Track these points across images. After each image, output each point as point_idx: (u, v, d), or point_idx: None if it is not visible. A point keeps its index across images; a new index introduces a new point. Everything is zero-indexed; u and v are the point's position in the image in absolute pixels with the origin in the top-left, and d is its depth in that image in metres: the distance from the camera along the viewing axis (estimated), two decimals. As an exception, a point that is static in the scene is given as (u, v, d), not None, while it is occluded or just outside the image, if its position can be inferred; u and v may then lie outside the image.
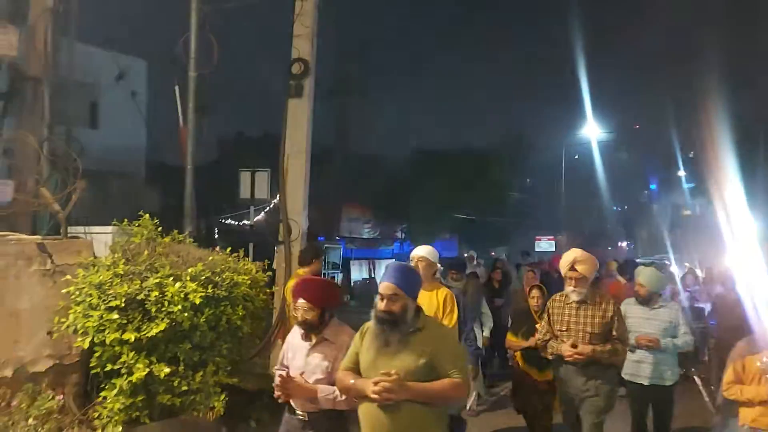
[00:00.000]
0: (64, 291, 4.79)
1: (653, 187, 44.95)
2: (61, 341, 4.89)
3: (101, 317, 4.55)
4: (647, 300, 5.59)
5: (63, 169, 5.98)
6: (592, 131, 36.72)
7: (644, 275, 5.71)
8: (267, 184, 9.32)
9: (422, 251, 5.10)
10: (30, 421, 4.39)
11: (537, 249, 33.64)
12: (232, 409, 5.57)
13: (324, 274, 22.18)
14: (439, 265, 7.03)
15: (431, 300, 4.86)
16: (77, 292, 4.73)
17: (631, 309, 5.66)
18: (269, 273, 6.25)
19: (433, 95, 63.47)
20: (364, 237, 29.21)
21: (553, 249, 34.19)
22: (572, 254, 4.89)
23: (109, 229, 5.63)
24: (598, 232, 41.35)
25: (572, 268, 4.84)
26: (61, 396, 4.72)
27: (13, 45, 5.85)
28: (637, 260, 19.18)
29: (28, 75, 6.64)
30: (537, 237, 34.65)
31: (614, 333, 4.78)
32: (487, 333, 7.87)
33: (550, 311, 5.10)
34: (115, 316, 4.55)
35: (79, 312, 4.65)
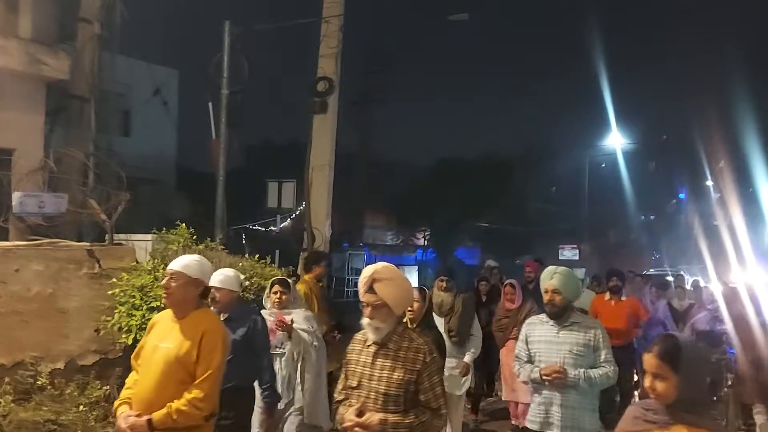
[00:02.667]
0: (109, 292, 5.32)
1: (682, 196, 44.58)
2: (106, 338, 5.41)
3: (143, 316, 5.07)
4: (560, 314, 3.93)
5: (107, 181, 6.52)
6: (618, 140, 36.67)
7: (558, 277, 3.93)
8: (293, 194, 9.82)
9: (177, 264, 3.36)
10: (80, 408, 4.91)
11: (561, 258, 33.68)
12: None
13: (339, 279, 22.69)
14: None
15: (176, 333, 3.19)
16: (121, 294, 5.26)
17: (535, 329, 4.06)
18: (293, 279, 6.72)
19: (457, 104, 63.82)
20: (387, 244, 29.65)
21: (577, 258, 34.28)
22: (370, 270, 3.05)
23: (149, 236, 6.15)
24: (622, 242, 41.16)
25: (369, 290, 3.00)
26: (107, 386, 5.23)
27: (65, 70, 6.44)
28: (649, 272, 19.17)
29: (74, 94, 7.23)
30: (560, 246, 34.71)
31: (421, 397, 2.95)
32: (468, 359, 6.16)
33: (348, 355, 3.21)
34: (155, 315, 5.05)
35: (124, 311, 5.18)
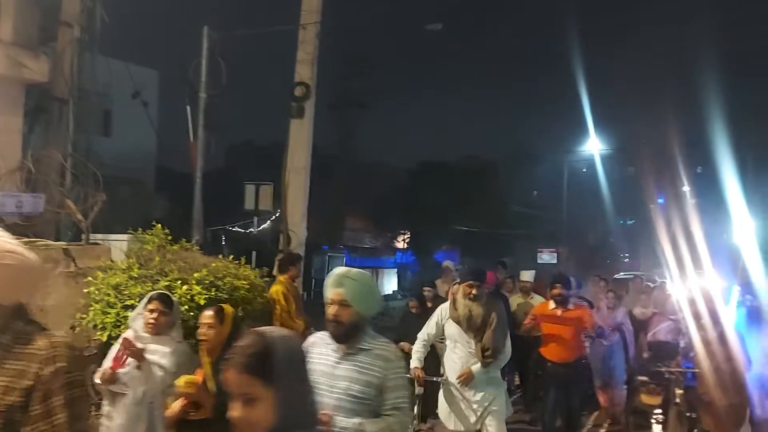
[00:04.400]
0: (85, 291, 5.47)
1: (661, 201, 45.20)
2: (81, 335, 5.56)
3: (118, 314, 5.22)
4: (346, 335, 2.91)
5: (84, 181, 6.68)
6: (596, 145, 37.18)
7: (349, 284, 2.92)
8: (270, 197, 10.01)
9: None
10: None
11: (539, 261, 34.10)
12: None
13: (318, 281, 22.87)
14: None
15: None
16: (97, 292, 5.41)
17: (313, 353, 2.94)
18: (266, 279, 6.90)
19: (436, 108, 64.27)
20: (367, 246, 29.88)
21: (555, 261, 34.70)
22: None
23: (125, 236, 6.31)
24: (600, 246, 41.69)
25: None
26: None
27: (45, 73, 6.58)
28: (619, 276, 19.42)
29: (54, 96, 7.36)
30: (539, 249, 35.12)
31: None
32: (476, 368, 5.36)
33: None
34: (130, 313, 5.21)
35: (99, 309, 5.33)
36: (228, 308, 3.85)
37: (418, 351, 5.15)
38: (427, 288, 7.75)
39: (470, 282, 5.06)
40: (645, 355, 7.38)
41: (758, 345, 5.91)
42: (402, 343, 6.17)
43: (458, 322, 5.00)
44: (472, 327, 4.95)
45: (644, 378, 6.60)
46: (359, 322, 2.91)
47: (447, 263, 9.44)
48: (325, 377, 2.85)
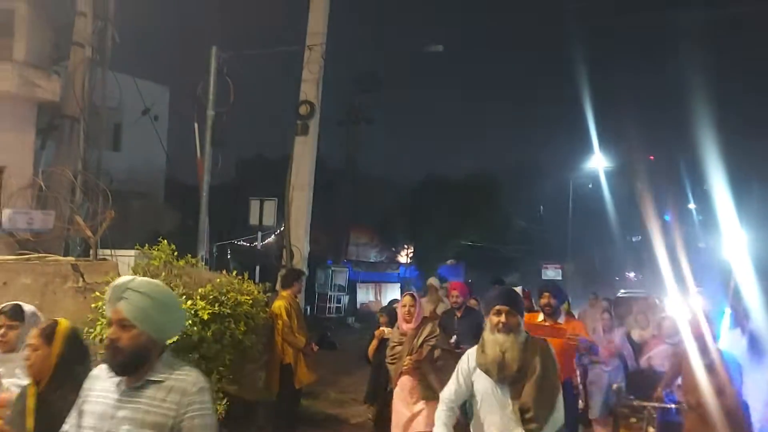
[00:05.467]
0: (93, 305, 5.62)
1: (667, 218, 45.15)
2: (89, 349, 5.70)
3: (124, 329, 5.37)
4: (128, 364, 2.29)
5: (94, 198, 6.86)
6: (601, 161, 37.22)
7: (133, 297, 2.32)
8: (274, 212, 10.16)
9: None
10: (61, 414, 5.19)
11: (544, 277, 34.10)
12: (233, 416, 6.34)
13: (321, 295, 22.99)
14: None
15: None
16: (104, 307, 5.55)
17: (93, 389, 2.39)
18: (269, 294, 7.04)
19: (443, 124, 64.59)
20: (371, 261, 29.96)
21: (560, 277, 34.69)
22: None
23: (132, 252, 6.47)
24: (605, 263, 41.61)
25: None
26: (87, 395, 5.52)
27: (57, 92, 6.79)
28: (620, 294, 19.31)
29: (65, 114, 7.57)
30: (544, 265, 35.10)
31: None
32: None
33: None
34: (135, 328, 5.37)
35: (106, 324, 5.47)
36: (62, 323, 3.00)
37: (440, 418, 3.64)
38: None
39: (498, 307, 3.52)
40: (614, 386, 6.56)
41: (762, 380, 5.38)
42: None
43: (487, 371, 3.48)
44: (507, 376, 3.43)
45: (625, 410, 6.05)
46: (147, 347, 2.26)
47: (431, 280, 8.75)
48: (103, 421, 2.22)
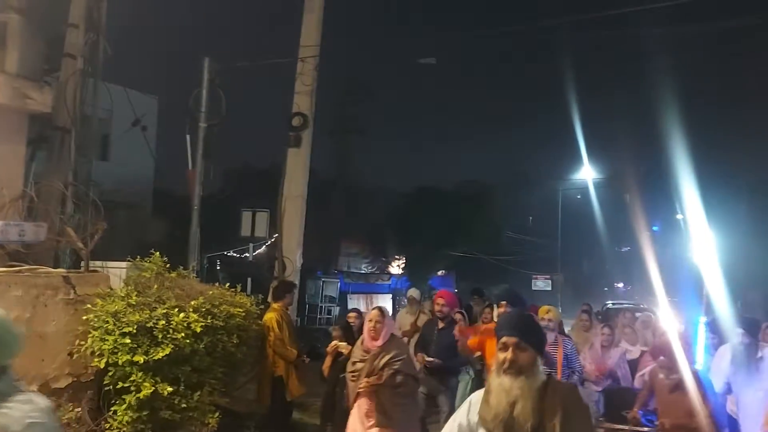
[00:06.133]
0: (84, 318, 5.58)
1: (655, 228, 45.45)
2: (79, 361, 5.66)
3: (115, 341, 5.33)
4: None
5: (85, 209, 6.82)
6: (590, 173, 37.47)
7: None
8: (266, 224, 10.15)
9: None
10: (52, 428, 5.14)
11: (534, 288, 34.22)
12: (224, 428, 6.30)
13: (312, 306, 22.86)
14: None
15: None
16: (95, 319, 5.52)
17: None
18: (261, 306, 7.02)
19: (434, 134, 64.85)
20: (362, 272, 29.95)
21: (550, 288, 34.80)
22: None
23: (124, 264, 6.44)
24: (595, 273, 41.80)
25: None
26: (78, 409, 5.47)
27: (48, 103, 6.76)
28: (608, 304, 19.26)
29: (56, 125, 7.52)
30: (534, 276, 35.21)
31: None
32: None
33: None
34: (127, 340, 5.33)
35: (97, 336, 5.44)
36: None
37: None
38: (353, 314, 6.95)
39: (505, 338, 2.63)
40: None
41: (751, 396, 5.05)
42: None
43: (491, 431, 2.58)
44: None
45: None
46: None
47: (412, 292, 8.39)
48: None
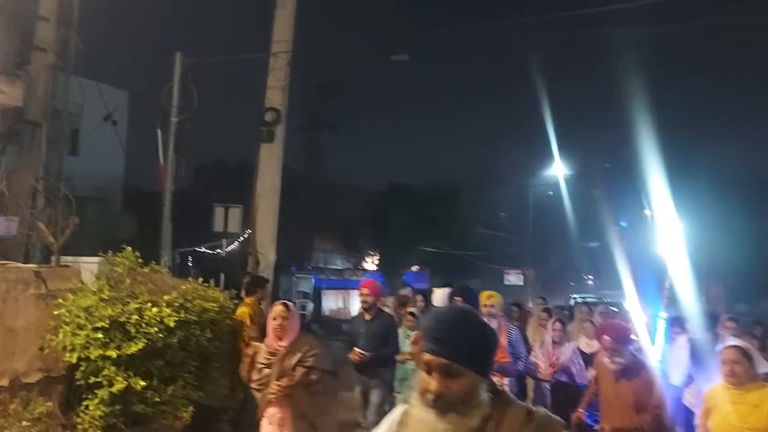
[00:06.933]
0: (55, 312, 5.58)
1: (623, 224, 46.20)
2: (50, 356, 5.65)
3: (87, 336, 5.34)
4: None
5: (56, 204, 6.79)
6: (561, 168, 37.92)
7: None
8: (239, 219, 10.15)
9: None
10: (23, 423, 5.14)
11: (506, 282, 34.59)
12: (198, 422, 6.34)
13: (292, 302, 22.87)
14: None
15: None
16: (67, 314, 5.52)
17: None
18: (236, 301, 7.06)
19: (406, 130, 65.06)
20: (336, 268, 30.01)
21: (522, 283, 35.20)
22: None
23: (96, 259, 6.42)
24: (563, 268, 42.37)
25: None
26: (49, 403, 5.47)
27: (19, 98, 6.71)
28: (575, 298, 19.59)
29: (27, 119, 7.46)
30: (505, 271, 35.59)
31: None
32: None
33: None
34: (100, 335, 5.35)
35: (68, 331, 5.44)
36: None
37: None
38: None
39: (428, 355, 1.81)
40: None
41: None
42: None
43: None
44: None
45: None
46: None
47: (403, 291, 8.16)
48: None
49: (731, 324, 6.55)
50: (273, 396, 4.37)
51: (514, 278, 35.36)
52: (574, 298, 19.59)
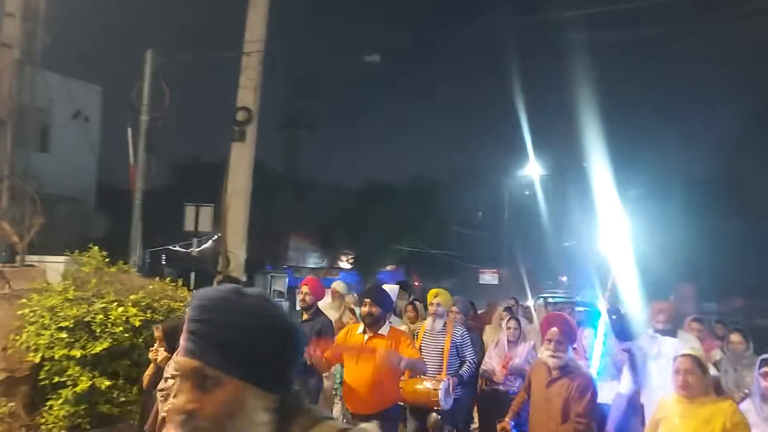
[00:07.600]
0: (19, 312, 5.53)
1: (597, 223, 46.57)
2: (14, 356, 5.59)
3: (52, 336, 5.30)
4: None
5: (22, 203, 6.71)
6: (537, 168, 38.25)
7: None
8: (210, 219, 10.11)
9: None
10: (-15, 424, 5.09)
11: (481, 282, 34.78)
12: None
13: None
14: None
15: None
16: (31, 314, 5.48)
17: None
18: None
19: (383, 129, 65.14)
20: (311, 266, 29.94)
21: (497, 282, 35.41)
22: None
23: (62, 258, 6.37)
24: (541, 267, 42.71)
25: None
26: (13, 404, 5.41)
27: (-16, 95, 6.62)
28: (544, 297, 19.67)
29: (-8, 116, 7.36)
30: (481, 270, 35.78)
31: None
32: None
33: None
34: (64, 335, 5.31)
35: (32, 331, 5.39)
36: None
37: None
38: None
39: (179, 357, 1.30)
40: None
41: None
42: None
43: None
44: None
45: None
46: None
47: (336, 285, 7.51)
48: None
49: (696, 325, 6.31)
50: (165, 415, 3.58)
51: (489, 277, 35.56)
52: (542, 297, 19.44)
